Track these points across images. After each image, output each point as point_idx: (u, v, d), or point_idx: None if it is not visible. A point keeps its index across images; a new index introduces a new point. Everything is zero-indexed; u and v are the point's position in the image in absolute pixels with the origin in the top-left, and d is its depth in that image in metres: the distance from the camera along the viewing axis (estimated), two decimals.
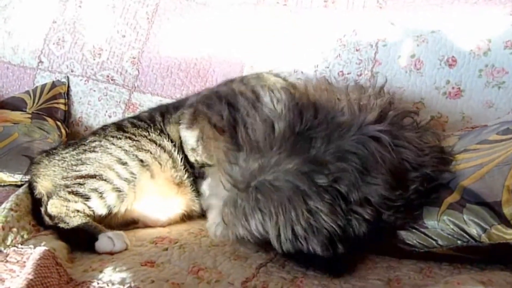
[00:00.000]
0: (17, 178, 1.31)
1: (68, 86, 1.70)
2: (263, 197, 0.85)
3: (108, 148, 1.11)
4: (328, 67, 1.47)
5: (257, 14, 1.58)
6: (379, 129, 0.88)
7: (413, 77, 1.39)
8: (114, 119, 1.63)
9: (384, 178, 0.83)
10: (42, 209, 1.05)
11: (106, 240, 0.95)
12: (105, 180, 1.06)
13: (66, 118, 1.67)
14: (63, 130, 1.58)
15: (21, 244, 0.93)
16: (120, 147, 1.12)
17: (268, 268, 0.87)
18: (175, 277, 0.82)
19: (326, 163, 0.84)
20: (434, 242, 0.84)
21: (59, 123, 1.59)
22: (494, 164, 0.83)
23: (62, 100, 1.66)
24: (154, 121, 1.21)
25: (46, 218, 1.04)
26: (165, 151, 1.15)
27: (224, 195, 0.92)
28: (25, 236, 0.97)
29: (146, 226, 1.13)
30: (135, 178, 1.09)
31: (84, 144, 1.15)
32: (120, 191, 1.07)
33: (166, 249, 0.94)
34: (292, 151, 0.87)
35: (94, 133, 1.21)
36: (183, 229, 1.09)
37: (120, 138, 1.14)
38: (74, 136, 1.61)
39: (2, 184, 1.31)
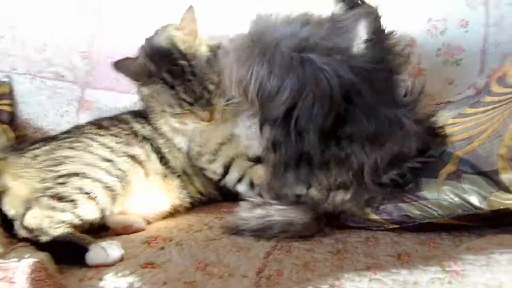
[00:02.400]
0: None
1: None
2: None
3: (89, 146, 1.02)
4: None
5: None
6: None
7: None
8: (67, 118, 1.52)
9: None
10: (17, 223, 0.94)
11: (99, 251, 0.85)
12: (90, 178, 0.97)
13: (12, 120, 1.53)
14: (10, 134, 1.44)
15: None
16: (104, 144, 1.04)
17: (275, 256, 0.85)
18: (184, 276, 0.77)
19: None
20: (435, 212, 0.87)
21: (5, 126, 1.45)
22: (484, 137, 0.86)
23: (6, 101, 1.51)
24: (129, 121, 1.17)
25: (23, 232, 0.93)
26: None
27: None
28: (0, 250, 0.88)
29: (118, 234, 1.00)
30: (126, 174, 1.02)
31: (56, 140, 1.05)
32: (112, 189, 0.99)
33: (163, 248, 0.89)
34: None
35: (67, 131, 1.12)
36: (172, 226, 1.03)
37: (103, 135, 1.06)
38: (22, 140, 1.48)
39: None
